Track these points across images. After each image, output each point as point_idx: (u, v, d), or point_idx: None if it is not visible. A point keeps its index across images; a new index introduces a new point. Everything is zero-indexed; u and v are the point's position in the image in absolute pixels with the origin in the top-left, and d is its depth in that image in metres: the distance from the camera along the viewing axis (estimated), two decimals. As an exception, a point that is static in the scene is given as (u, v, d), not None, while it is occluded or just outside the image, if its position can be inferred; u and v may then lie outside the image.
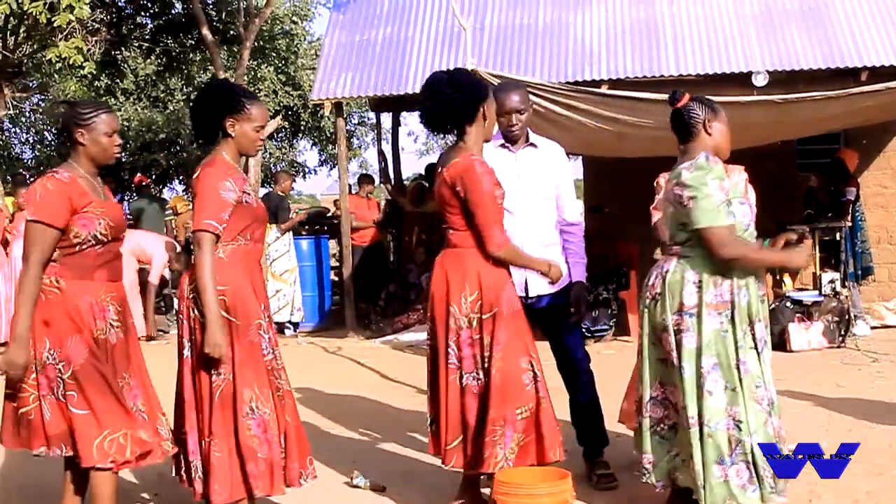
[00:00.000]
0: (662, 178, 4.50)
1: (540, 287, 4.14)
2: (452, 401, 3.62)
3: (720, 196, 3.24)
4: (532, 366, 3.61)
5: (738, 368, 3.25)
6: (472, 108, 3.60)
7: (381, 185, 12.10)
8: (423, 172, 13.10)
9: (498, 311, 3.58)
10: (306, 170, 24.86)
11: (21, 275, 3.27)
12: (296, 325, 9.98)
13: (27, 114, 19.93)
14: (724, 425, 3.22)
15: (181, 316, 3.44)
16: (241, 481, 3.32)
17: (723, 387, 3.24)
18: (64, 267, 3.30)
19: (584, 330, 4.28)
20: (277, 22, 18.90)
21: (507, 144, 4.20)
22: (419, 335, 9.18)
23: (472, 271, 3.60)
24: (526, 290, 4.13)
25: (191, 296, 3.36)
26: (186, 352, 3.40)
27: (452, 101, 3.57)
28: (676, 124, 3.45)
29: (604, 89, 8.22)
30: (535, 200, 4.15)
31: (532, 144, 4.22)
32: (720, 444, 3.20)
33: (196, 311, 3.34)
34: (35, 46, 10.80)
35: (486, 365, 3.56)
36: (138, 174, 14.64)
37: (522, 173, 4.15)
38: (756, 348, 3.30)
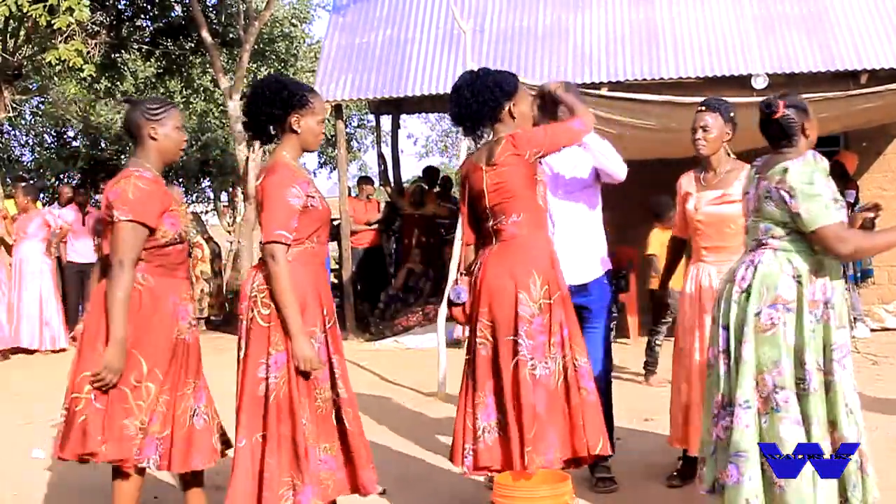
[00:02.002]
0: (684, 180, 4.45)
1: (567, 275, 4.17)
2: (526, 396, 3.44)
3: (828, 193, 3.18)
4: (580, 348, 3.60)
5: (822, 371, 3.16)
6: (492, 111, 3.60)
7: (381, 187, 12.10)
8: (421, 175, 13.11)
9: (561, 294, 3.56)
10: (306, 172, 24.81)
11: (115, 278, 3.15)
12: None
13: (27, 116, 19.92)
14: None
15: (241, 316, 3.36)
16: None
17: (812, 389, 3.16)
18: (150, 265, 3.26)
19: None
20: (277, 25, 18.90)
21: None
22: (419, 337, 9.19)
23: (538, 256, 3.55)
24: None
25: (253, 295, 3.29)
26: (242, 354, 3.33)
27: (470, 106, 3.60)
28: (772, 131, 3.37)
29: (603, 91, 8.22)
30: (562, 193, 4.23)
31: None
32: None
33: (254, 312, 3.27)
34: (35, 49, 10.81)
35: (550, 351, 3.49)
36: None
37: (554, 165, 4.23)
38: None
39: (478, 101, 3.58)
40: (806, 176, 3.19)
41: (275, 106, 3.32)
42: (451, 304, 3.78)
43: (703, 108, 4.22)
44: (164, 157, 3.38)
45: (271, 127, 3.39)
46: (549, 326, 3.50)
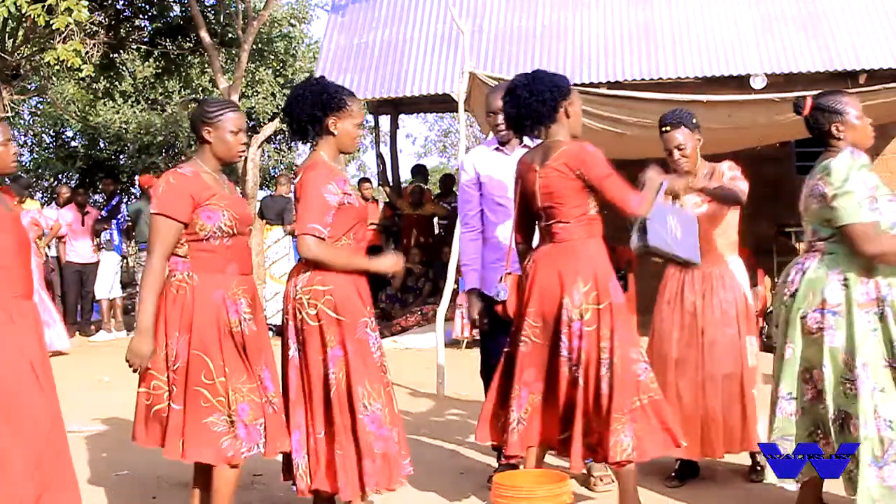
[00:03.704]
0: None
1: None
2: (565, 393, 3.55)
3: (863, 191, 3.19)
4: (642, 355, 3.61)
5: (892, 367, 3.16)
6: (551, 110, 3.63)
7: (380, 187, 12.10)
8: (411, 174, 13.07)
9: (612, 302, 3.57)
10: (304, 173, 24.73)
11: (146, 265, 3.30)
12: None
13: (25, 116, 19.93)
14: (874, 427, 3.13)
15: (287, 317, 3.45)
16: (358, 478, 3.35)
17: (871, 388, 3.15)
18: (195, 261, 3.33)
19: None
20: (276, 25, 18.89)
21: (501, 147, 4.28)
22: (418, 337, 9.19)
23: (586, 262, 3.58)
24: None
25: (298, 297, 3.39)
26: (292, 352, 3.43)
27: (530, 105, 3.62)
28: (809, 128, 3.42)
29: (602, 91, 8.22)
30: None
31: (526, 146, 4.25)
32: (874, 446, 3.13)
33: (302, 313, 3.38)
34: (33, 49, 10.81)
35: (600, 356, 3.52)
36: (148, 175, 14.55)
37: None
38: None
39: (538, 100, 3.60)
40: (843, 172, 3.22)
41: (315, 108, 3.43)
42: (492, 301, 3.97)
43: (668, 127, 4.19)
44: (219, 158, 3.45)
45: (310, 128, 3.48)
46: (597, 332, 3.53)
